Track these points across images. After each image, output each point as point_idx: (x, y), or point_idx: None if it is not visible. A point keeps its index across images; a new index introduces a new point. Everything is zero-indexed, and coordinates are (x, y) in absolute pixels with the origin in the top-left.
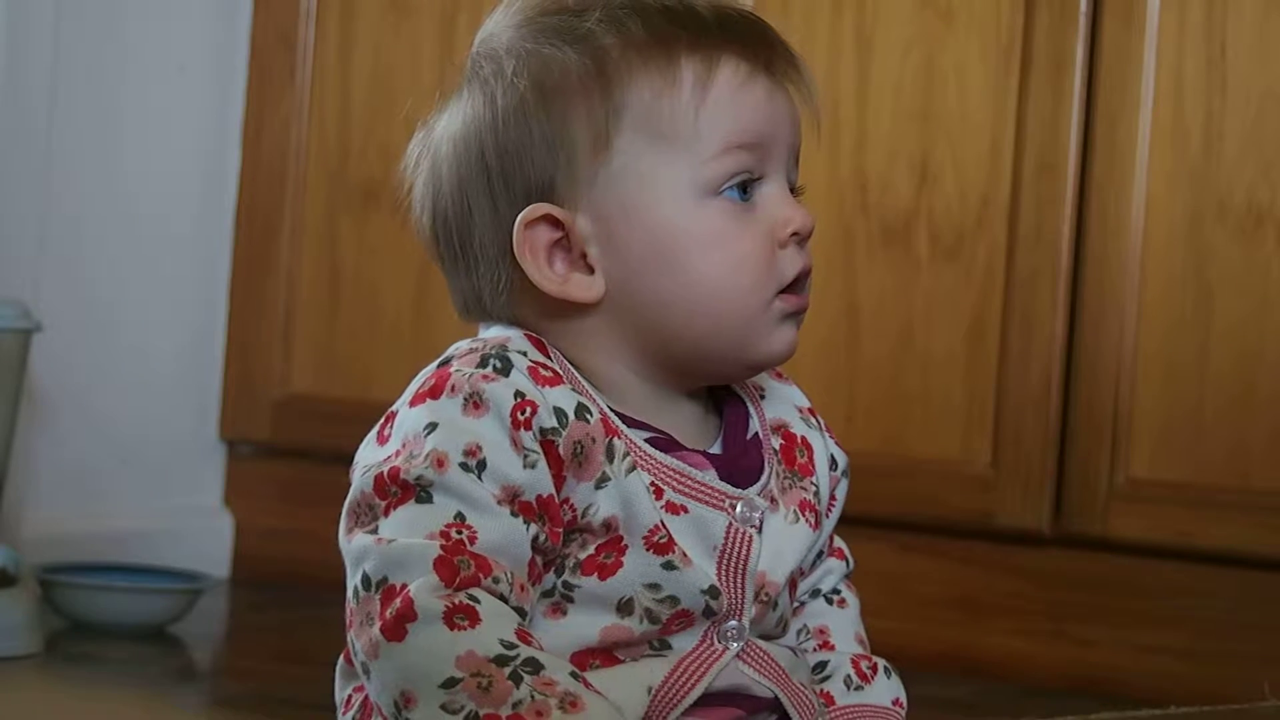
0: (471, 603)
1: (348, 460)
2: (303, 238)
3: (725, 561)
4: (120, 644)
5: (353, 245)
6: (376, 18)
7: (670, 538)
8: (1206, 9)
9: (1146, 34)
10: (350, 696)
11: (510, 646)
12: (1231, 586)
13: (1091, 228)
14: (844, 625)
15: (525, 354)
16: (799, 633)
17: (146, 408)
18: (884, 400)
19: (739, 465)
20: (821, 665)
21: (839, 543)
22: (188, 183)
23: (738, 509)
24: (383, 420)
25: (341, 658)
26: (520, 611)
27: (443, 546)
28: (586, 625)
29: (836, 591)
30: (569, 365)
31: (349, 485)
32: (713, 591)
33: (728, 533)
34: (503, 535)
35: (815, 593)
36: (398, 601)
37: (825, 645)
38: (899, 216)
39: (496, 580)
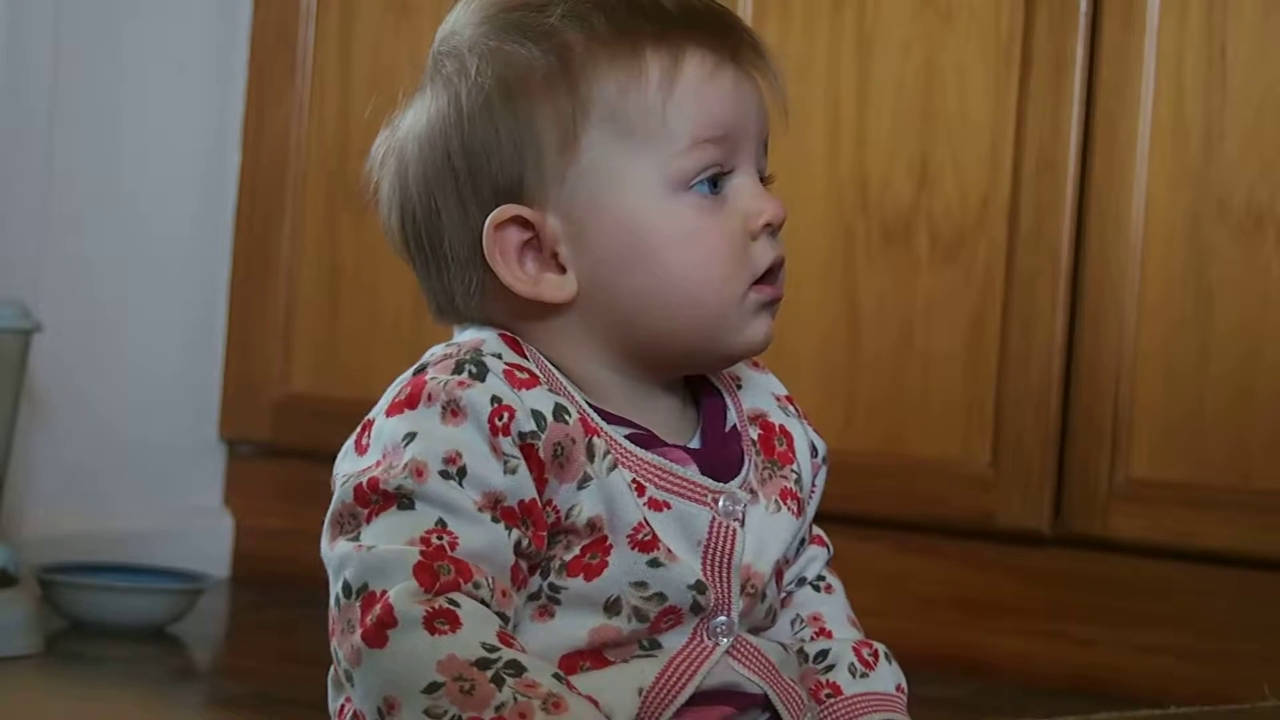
0: (452, 606)
1: None
2: (303, 238)
3: (710, 556)
4: (120, 644)
5: (353, 245)
6: (376, 18)
7: (654, 535)
8: (1206, 9)
9: (1146, 34)
10: (343, 706)
11: (492, 649)
12: (1231, 586)
13: (1091, 228)
14: (835, 610)
15: (500, 356)
16: (793, 622)
17: (146, 408)
18: (884, 400)
19: (720, 458)
20: (823, 654)
21: (817, 530)
22: (188, 183)
23: (720, 503)
24: (359, 429)
25: (332, 670)
26: (503, 617)
27: (422, 552)
28: (575, 627)
29: (821, 578)
30: (546, 363)
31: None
32: (699, 586)
33: (711, 527)
34: (484, 542)
35: (801, 581)
36: (378, 608)
37: (822, 633)
38: (899, 216)
39: (477, 585)
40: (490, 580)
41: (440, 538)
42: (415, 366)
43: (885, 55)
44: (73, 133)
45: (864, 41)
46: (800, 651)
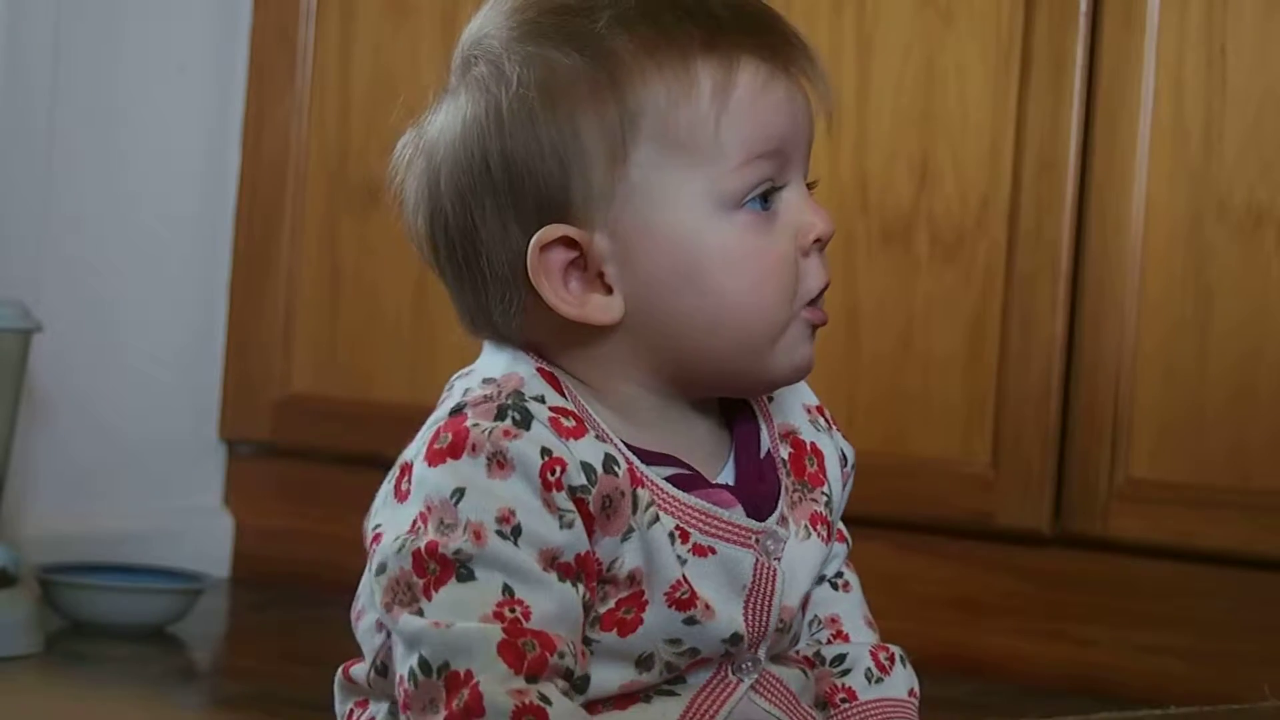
0: (543, 704)
1: (348, 460)
2: (303, 238)
3: (753, 599)
4: (120, 644)
5: (353, 245)
6: (376, 18)
7: (692, 592)
8: (1206, 9)
9: (1146, 34)
10: (352, 711)
11: None
12: (1231, 586)
13: (1091, 228)
14: (852, 610)
15: (543, 399)
16: (811, 623)
17: (146, 408)
18: (884, 400)
19: (758, 493)
20: (840, 658)
21: (839, 525)
22: (188, 183)
23: (762, 543)
24: (398, 473)
25: (340, 674)
26: (585, 681)
27: (504, 629)
28: (605, 680)
29: (840, 575)
30: (583, 402)
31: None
32: (734, 639)
33: (756, 570)
34: (555, 605)
35: (820, 579)
36: (465, 693)
37: (839, 635)
38: (899, 216)
39: (561, 655)
40: (571, 646)
41: (513, 609)
42: (452, 406)
43: (885, 55)
44: (73, 133)
45: (864, 41)
46: (817, 654)
